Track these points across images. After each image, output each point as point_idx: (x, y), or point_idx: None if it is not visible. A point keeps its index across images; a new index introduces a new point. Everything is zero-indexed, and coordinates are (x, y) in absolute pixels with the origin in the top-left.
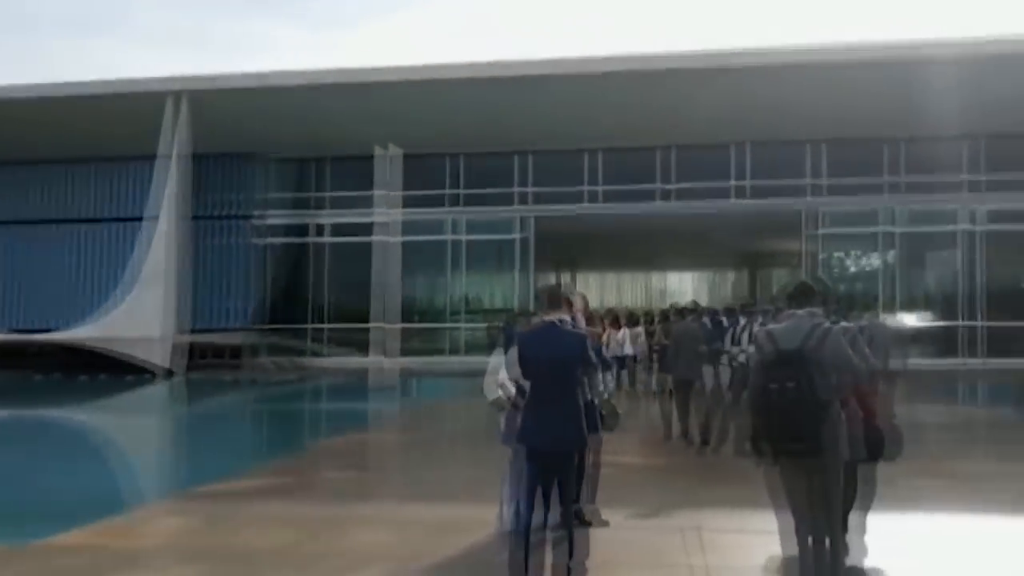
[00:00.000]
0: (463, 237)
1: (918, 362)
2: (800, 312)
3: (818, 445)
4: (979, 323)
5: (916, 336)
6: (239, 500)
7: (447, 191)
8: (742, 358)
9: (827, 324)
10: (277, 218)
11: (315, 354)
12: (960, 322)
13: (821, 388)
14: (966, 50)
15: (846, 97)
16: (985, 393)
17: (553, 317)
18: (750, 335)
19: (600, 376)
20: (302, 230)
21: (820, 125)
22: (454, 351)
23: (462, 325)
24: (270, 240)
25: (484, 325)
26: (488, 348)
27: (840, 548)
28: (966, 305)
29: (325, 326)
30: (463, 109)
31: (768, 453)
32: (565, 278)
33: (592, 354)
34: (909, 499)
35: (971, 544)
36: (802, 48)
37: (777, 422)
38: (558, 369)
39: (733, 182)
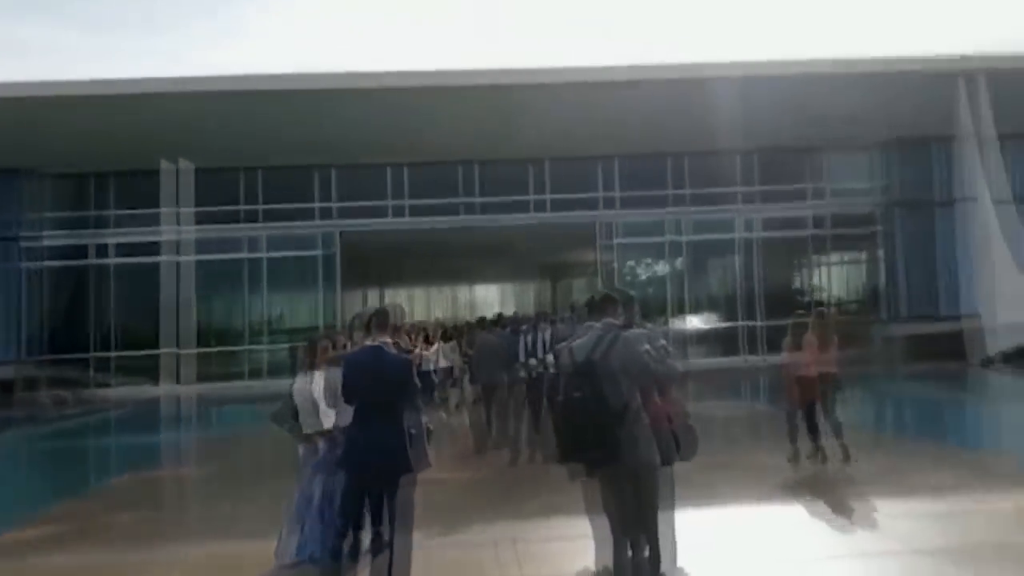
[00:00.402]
0: (263, 255)
1: (706, 361)
2: (597, 324)
3: (614, 452)
4: (758, 323)
5: (702, 337)
6: (13, 555)
7: (243, 207)
8: (542, 368)
9: (617, 332)
10: (53, 239)
11: (100, 385)
12: (740, 322)
13: (612, 396)
14: (741, 70)
15: (633, 114)
16: (765, 388)
17: (378, 341)
18: (544, 345)
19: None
20: (82, 251)
21: (612, 141)
22: (255, 375)
23: (264, 347)
24: (46, 263)
25: (287, 346)
26: (291, 370)
27: (659, 554)
28: (745, 306)
29: (111, 354)
30: (258, 121)
31: (576, 463)
32: (373, 295)
33: (416, 379)
34: (705, 494)
35: (765, 530)
36: (592, 68)
37: (572, 432)
38: (383, 393)
39: (532, 196)
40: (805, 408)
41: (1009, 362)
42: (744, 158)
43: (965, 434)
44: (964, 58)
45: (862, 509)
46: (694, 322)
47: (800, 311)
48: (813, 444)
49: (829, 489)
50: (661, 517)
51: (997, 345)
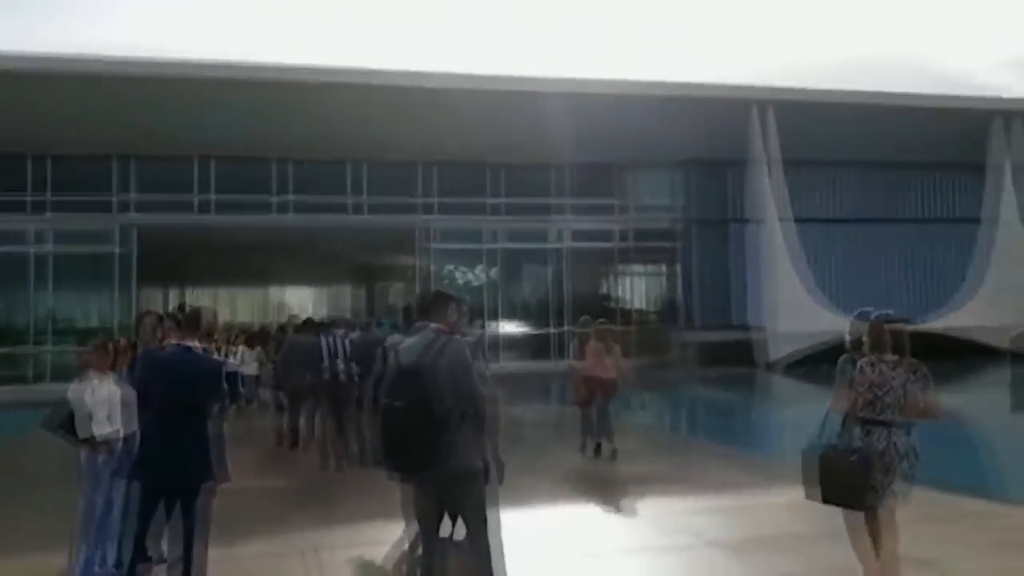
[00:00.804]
0: (49, 248)
1: (518, 365)
2: (432, 325)
3: (433, 459)
4: (566, 329)
5: (514, 342)
6: None
7: (29, 197)
8: (349, 373)
9: (448, 338)
10: None
11: None
12: (551, 329)
13: (437, 404)
14: (557, 87)
15: (453, 122)
16: (570, 391)
17: (187, 342)
18: (344, 349)
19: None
20: None
21: (432, 148)
22: (39, 378)
23: (49, 348)
24: None
25: (75, 348)
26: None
27: (485, 565)
28: (556, 313)
29: None
30: (50, 106)
31: (395, 468)
32: (175, 294)
33: (225, 383)
34: (508, 495)
35: (568, 527)
36: (409, 73)
37: (391, 437)
38: (189, 397)
39: (350, 198)
40: (593, 407)
41: (791, 367)
42: (558, 172)
43: (748, 434)
44: (756, 88)
45: (657, 506)
46: (507, 327)
47: (585, 320)
48: (593, 440)
49: (625, 488)
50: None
51: (779, 351)
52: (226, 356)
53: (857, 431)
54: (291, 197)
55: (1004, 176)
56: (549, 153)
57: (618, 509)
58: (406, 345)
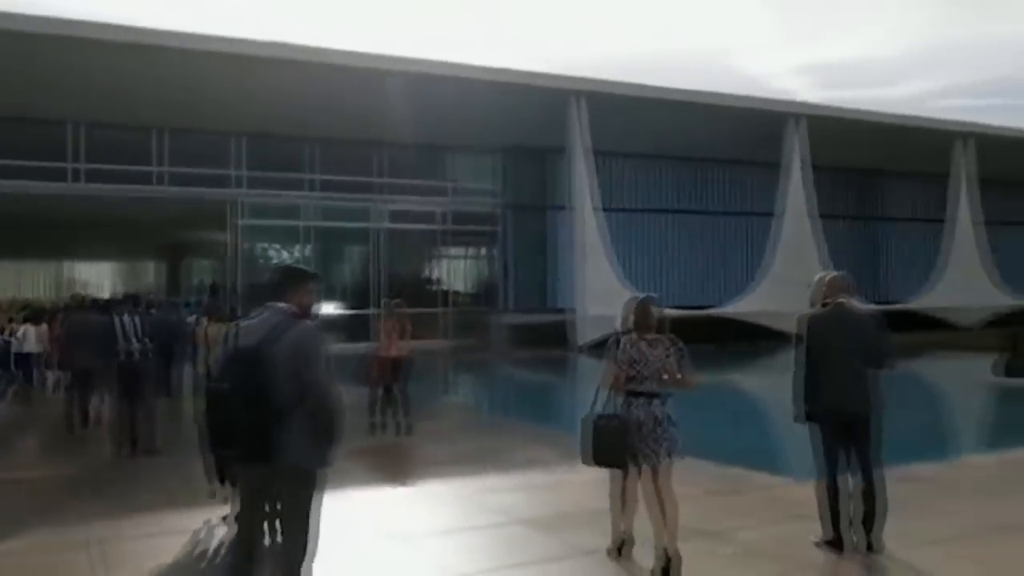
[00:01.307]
0: None
1: (337, 347)
2: (280, 305)
3: (259, 455)
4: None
5: (332, 323)
6: None
7: None
8: (143, 353)
9: (294, 321)
10: None
11: None
12: (371, 310)
13: (277, 391)
14: (382, 64)
15: (271, 94)
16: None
17: None
18: (137, 328)
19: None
20: None
21: (245, 119)
22: None
23: None
24: None
25: None
26: None
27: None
28: (374, 294)
29: None
30: None
31: (226, 458)
32: None
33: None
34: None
35: (379, 509)
36: (230, 38)
37: (216, 423)
38: None
39: (155, 167)
40: (383, 387)
41: (598, 349)
42: (380, 150)
43: (554, 413)
44: (573, 79)
45: (465, 485)
46: (324, 308)
47: (386, 301)
48: (394, 420)
49: (433, 468)
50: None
51: (588, 334)
52: (10, 335)
53: (620, 402)
54: (86, 165)
55: (792, 173)
56: (372, 131)
57: (426, 490)
58: (246, 326)
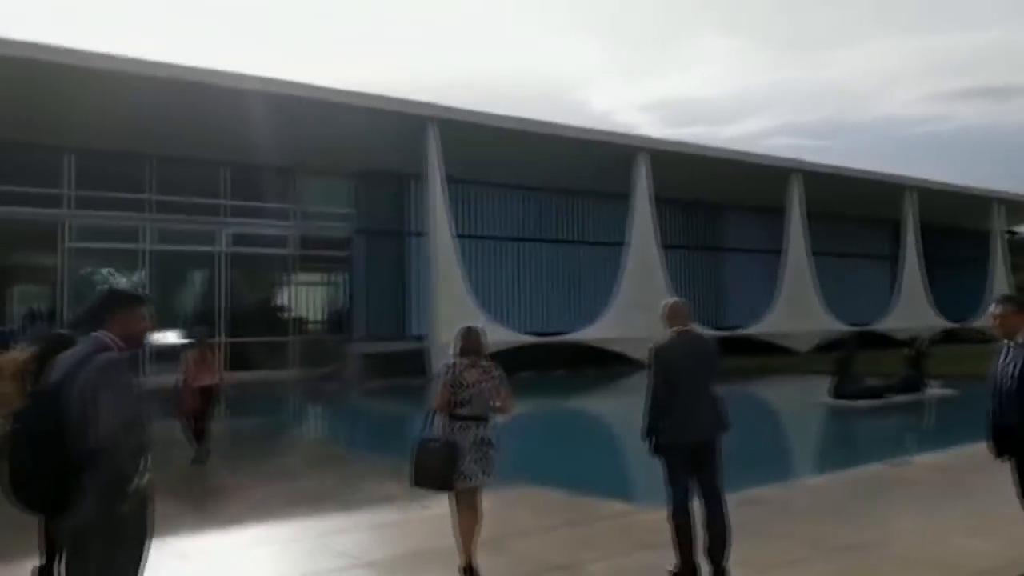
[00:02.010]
0: None
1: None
2: (97, 334)
3: (46, 506)
4: (225, 339)
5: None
6: None
7: None
8: None
9: (98, 354)
10: None
11: None
12: (216, 338)
13: (73, 434)
14: (229, 81)
15: (103, 107)
16: (226, 408)
17: None
18: None
19: None
20: None
21: (75, 134)
22: None
23: None
24: None
25: None
26: None
27: None
28: (219, 322)
29: None
30: None
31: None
32: None
33: None
34: None
35: (214, 556)
36: (58, 48)
37: (10, 468)
38: None
39: None
40: (190, 417)
41: None
42: (225, 171)
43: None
44: (427, 105)
45: (306, 527)
46: (160, 338)
47: (193, 331)
48: (199, 447)
49: (273, 508)
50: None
51: (442, 362)
52: None
53: (446, 424)
54: None
55: (639, 204)
56: (217, 150)
57: (264, 534)
58: (60, 358)
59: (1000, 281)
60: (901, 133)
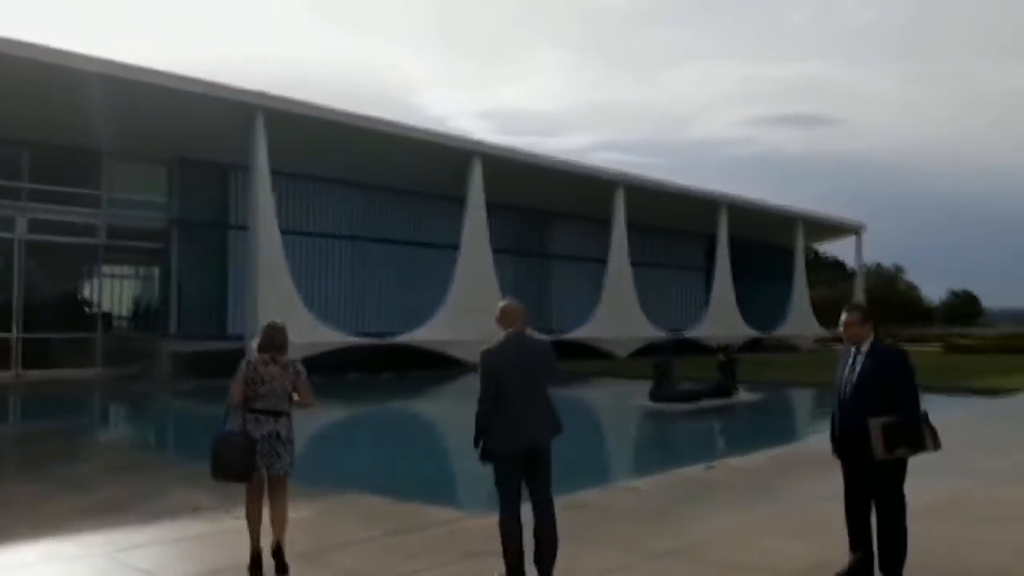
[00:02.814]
0: None
1: None
2: None
3: None
4: (15, 335)
5: None
6: None
7: None
8: None
9: None
10: None
11: None
12: (14, 333)
13: None
14: (20, 51)
15: None
16: (20, 408)
17: None
18: None
19: None
20: None
21: None
22: None
23: None
24: None
25: None
26: None
27: None
28: (17, 315)
29: None
30: None
31: None
32: None
33: None
34: None
35: None
36: None
37: None
38: None
39: None
40: None
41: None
42: (24, 151)
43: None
44: (254, 93)
45: (100, 542)
46: None
47: None
48: None
49: (62, 522)
50: None
51: None
52: None
53: (243, 419)
54: None
55: (473, 208)
56: (15, 129)
57: (51, 549)
58: None
59: (801, 295)
60: (719, 153)
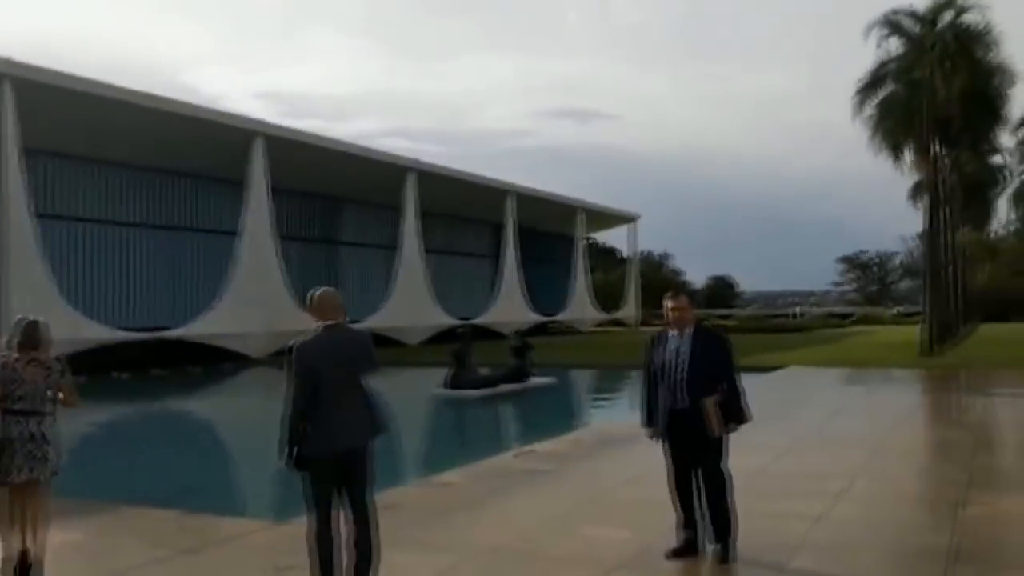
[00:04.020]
0: None
1: None
2: None
3: None
4: None
5: None
6: None
7: None
8: None
9: None
10: None
11: None
12: None
13: None
14: None
15: None
16: None
17: None
18: None
19: None
20: None
21: None
22: None
23: None
24: None
25: None
26: None
27: None
28: None
29: None
30: None
31: None
32: None
33: None
34: None
35: None
36: None
37: None
38: None
39: None
40: None
41: None
42: None
43: None
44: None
45: None
46: None
47: None
48: None
49: None
50: None
51: None
52: None
53: (1, 421)
54: None
55: (256, 192)
56: None
57: None
58: None
59: (581, 281)
60: (502, 143)
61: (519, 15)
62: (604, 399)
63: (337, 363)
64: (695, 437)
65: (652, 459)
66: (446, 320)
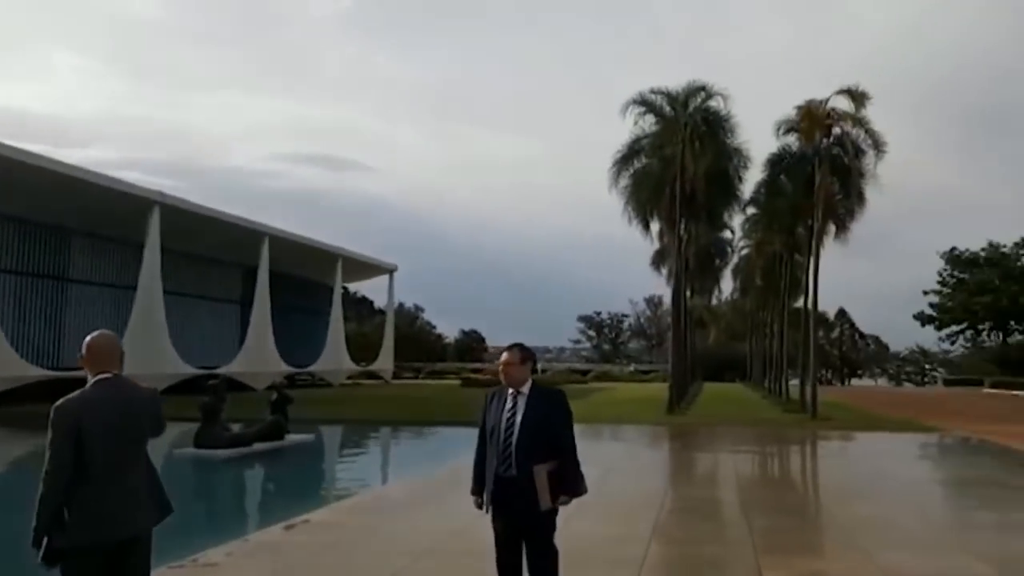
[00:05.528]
0: None
1: None
2: None
3: None
4: None
5: None
6: None
7: None
8: None
9: None
10: None
11: None
12: None
13: None
14: None
15: None
16: None
17: None
18: None
19: None
20: None
21: None
22: None
23: None
24: None
25: None
26: None
27: None
28: None
29: None
30: None
31: None
32: None
33: None
34: None
35: None
36: None
37: None
38: None
39: None
40: None
41: None
42: None
43: None
44: None
45: None
46: None
47: None
48: None
49: None
50: None
51: None
52: None
53: None
54: None
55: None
56: None
57: None
58: None
59: (337, 331)
60: (252, 184)
61: (276, 54)
62: (370, 458)
63: (113, 426)
64: (524, 508)
65: (441, 528)
66: (185, 369)
